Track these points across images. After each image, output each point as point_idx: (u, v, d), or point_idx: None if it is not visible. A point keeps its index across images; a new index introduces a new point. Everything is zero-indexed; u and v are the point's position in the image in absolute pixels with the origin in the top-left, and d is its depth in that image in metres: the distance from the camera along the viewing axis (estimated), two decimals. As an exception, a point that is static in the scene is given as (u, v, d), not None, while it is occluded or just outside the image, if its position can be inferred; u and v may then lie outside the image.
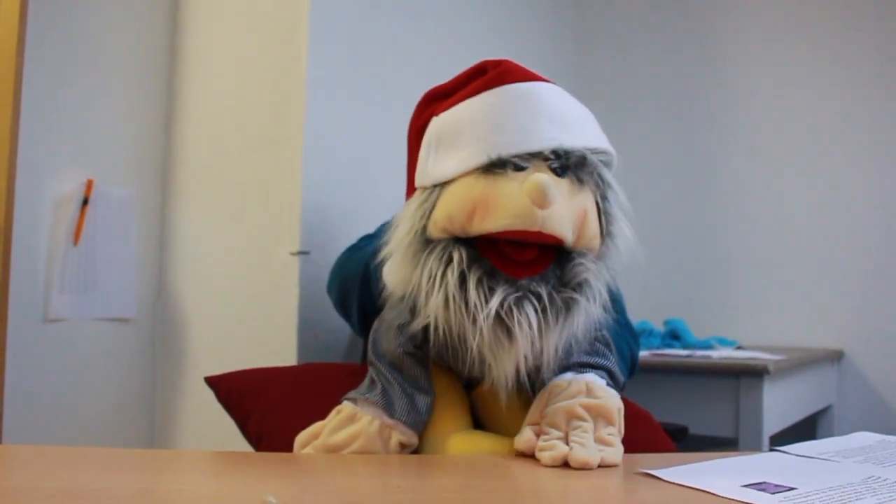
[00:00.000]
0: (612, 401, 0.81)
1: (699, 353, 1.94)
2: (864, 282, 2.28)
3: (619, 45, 2.74)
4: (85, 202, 1.65)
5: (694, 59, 2.59)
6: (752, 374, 1.67)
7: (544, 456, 0.74)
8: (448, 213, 0.78)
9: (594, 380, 0.82)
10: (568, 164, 0.78)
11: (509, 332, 0.76)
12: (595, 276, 0.80)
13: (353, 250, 1.29)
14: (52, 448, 0.82)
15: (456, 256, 0.77)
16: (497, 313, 0.75)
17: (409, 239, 0.81)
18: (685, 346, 2.10)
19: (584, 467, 0.72)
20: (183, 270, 1.80)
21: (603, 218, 0.82)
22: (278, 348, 1.53)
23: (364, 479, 0.74)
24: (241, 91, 1.71)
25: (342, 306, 1.28)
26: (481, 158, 0.77)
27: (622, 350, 1.16)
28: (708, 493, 0.62)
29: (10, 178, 1.55)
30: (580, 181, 0.79)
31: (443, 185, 0.80)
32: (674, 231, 2.56)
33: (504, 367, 0.79)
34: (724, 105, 2.53)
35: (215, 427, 1.64)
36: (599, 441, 0.76)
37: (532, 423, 0.81)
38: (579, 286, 0.79)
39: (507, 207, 0.75)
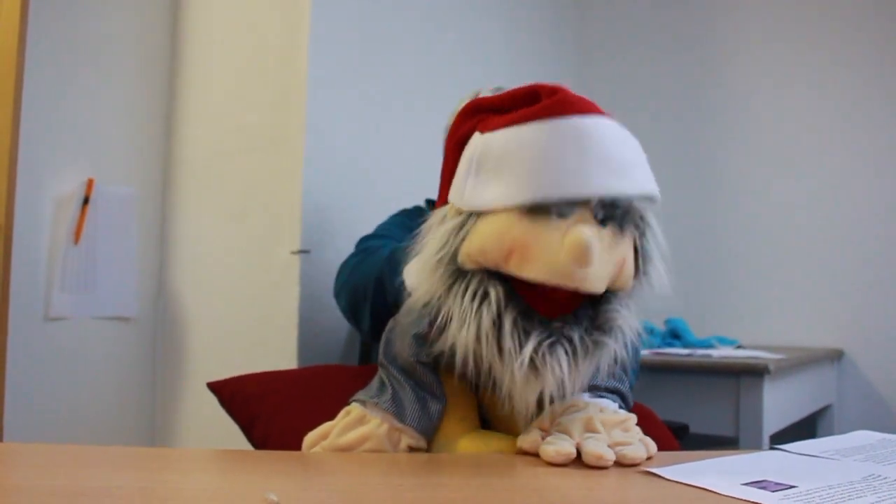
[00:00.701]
0: (628, 415, 0.82)
1: (700, 352, 1.94)
2: (864, 282, 2.28)
3: (620, 47, 2.74)
4: (85, 201, 1.65)
5: (694, 60, 2.59)
6: (752, 374, 1.68)
7: (548, 450, 0.73)
8: (483, 247, 0.76)
9: (608, 405, 0.82)
10: (613, 215, 0.76)
11: (538, 373, 0.75)
12: (626, 319, 0.79)
13: (362, 254, 1.27)
14: (53, 446, 0.82)
15: (493, 294, 0.76)
16: (529, 357, 0.74)
17: (438, 258, 0.79)
18: (686, 346, 2.10)
19: (598, 462, 0.71)
20: (183, 269, 1.80)
21: (640, 258, 0.81)
22: (278, 346, 1.53)
23: (366, 477, 0.74)
24: (242, 91, 1.71)
25: (352, 312, 1.26)
26: (524, 197, 0.74)
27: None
28: (709, 491, 0.62)
29: (11, 178, 1.55)
30: (622, 229, 0.77)
31: (479, 213, 0.78)
32: (674, 231, 2.53)
33: (527, 399, 0.78)
34: (724, 106, 2.53)
35: (216, 425, 1.64)
36: (614, 444, 0.76)
37: (540, 427, 0.81)
38: (610, 329, 0.78)
39: (545, 261, 0.73)
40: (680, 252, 2.80)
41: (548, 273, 0.73)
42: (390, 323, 0.92)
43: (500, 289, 0.76)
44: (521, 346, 0.74)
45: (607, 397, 0.84)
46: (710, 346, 2.08)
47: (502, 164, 0.78)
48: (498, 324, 0.75)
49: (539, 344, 0.74)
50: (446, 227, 0.80)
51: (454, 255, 0.78)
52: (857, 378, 2.28)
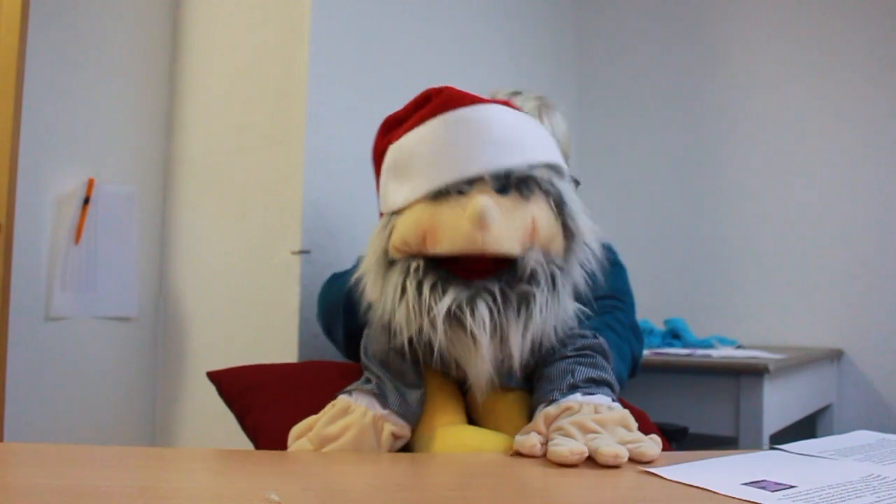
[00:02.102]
0: (627, 413, 0.82)
1: (699, 352, 1.95)
2: (863, 281, 2.28)
3: (619, 46, 2.74)
4: (86, 201, 1.66)
5: (694, 59, 2.59)
6: (752, 374, 1.68)
7: (561, 451, 0.73)
8: (403, 237, 0.84)
9: (602, 401, 0.83)
10: (509, 183, 0.83)
11: (471, 333, 0.81)
12: (544, 267, 0.83)
13: (333, 279, 1.32)
14: (54, 446, 0.83)
15: (413, 265, 0.83)
16: (455, 315, 0.80)
17: (374, 259, 0.87)
18: (685, 346, 2.11)
19: (615, 461, 0.71)
20: (184, 269, 1.80)
21: (565, 220, 0.86)
22: (279, 346, 1.53)
23: (366, 478, 0.74)
24: (243, 90, 1.71)
25: (328, 332, 1.32)
26: (427, 187, 0.83)
27: (622, 351, 1.16)
28: (709, 490, 0.62)
29: (12, 177, 1.56)
30: (524, 195, 0.83)
31: (398, 211, 0.86)
32: (674, 230, 2.56)
33: (476, 367, 0.84)
34: (723, 106, 2.53)
35: (217, 425, 1.64)
36: (624, 443, 0.76)
37: (536, 431, 0.81)
38: (531, 278, 0.82)
39: (450, 234, 0.80)
40: (680, 251, 2.81)
41: (455, 242, 0.80)
42: (366, 328, 0.97)
43: (422, 262, 0.83)
44: (438, 303, 0.81)
45: (598, 392, 0.85)
46: (709, 346, 2.08)
47: (407, 166, 0.88)
48: (421, 292, 0.81)
49: (456, 296, 0.81)
50: (376, 231, 0.89)
51: (385, 251, 0.86)
52: (857, 378, 2.28)
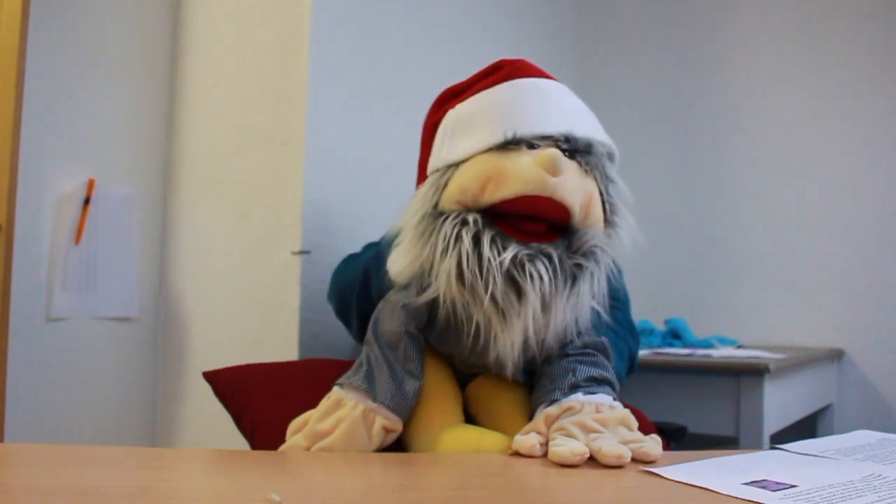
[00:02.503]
0: (628, 412, 0.82)
1: (700, 352, 1.95)
2: (864, 281, 2.28)
3: (619, 46, 2.74)
4: (86, 201, 1.66)
5: (694, 59, 2.59)
6: (752, 373, 1.68)
7: (562, 451, 0.72)
8: (461, 186, 0.82)
9: (603, 400, 0.83)
10: (577, 149, 0.84)
11: (519, 293, 0.79)
12: (603, 247, 0.84)
13: (352, 258, 1.30)
14: (54, 447, 0.83)
15: (471, 219, 0.81)
16: (509, 273, 0.78)
17: (418, 217, 0.84)
18: (686, 346, 2.10)
19: (617, 462, 0.71)
20: (184, 269, 1.80)
21: (607, 208, 0.87)
22: (279, 347, 1.53)
23: (367, 478, 0.74)
24: (243, 90, 1.71)
25: (342, 313, 1.29)
26: (497, 138, 0.82)
27: (620, 349, 1.16)
28: (709, 490, 0.62)
29: (12, 178, 1.56)
30: (586, 167, 0.84)
31: (457, 165, 0.84)
32: (674, 230, 2.56)
33: (512, 332, 0.81)
34: (724, 105, 2.53)
35: (217, 425, 1.64)
36: (626, 442, 0.76)
37: (536, 430, 0.81)
38: (588, 254, 0.83)
39: (520, 175, 0.79)
40: (680, 251, 2.81)
41: (523, 184, 0.79)
42: (380, 304, 0.94)
43: (479, 216, 0.81)
44: (500, 256, 0.79)
45: (600, 391, 0.84)
46: (710, 345, 2.08)
47: (473, 121, 0.87)
48: (479, 246, 0.79)
49: (517, 253, 0.79)
50: (423, 189, 0.86)
51: (435, 206, 0.84)
52: (858, 378, 2.28)
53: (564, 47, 2.70)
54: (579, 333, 0.89)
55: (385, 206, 1.44)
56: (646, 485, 0.67)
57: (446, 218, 0.82)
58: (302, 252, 1.53)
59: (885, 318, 2.25)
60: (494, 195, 0.80)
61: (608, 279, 0.87)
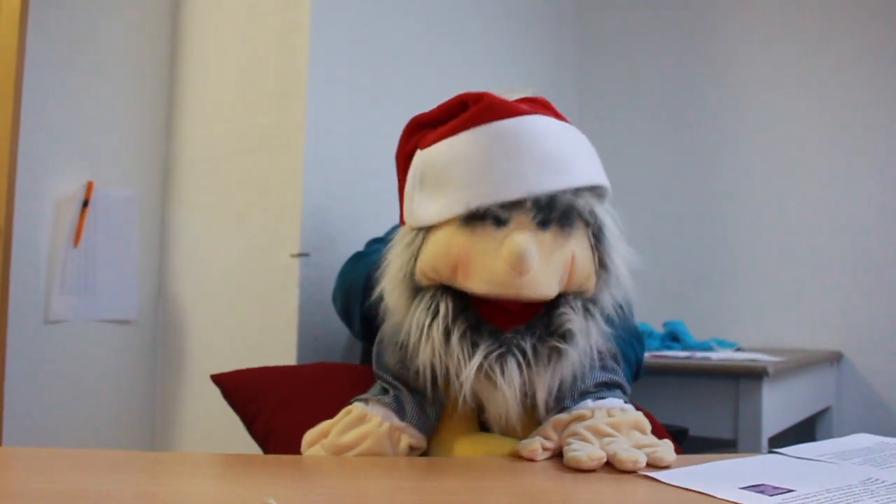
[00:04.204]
0: (640, 416, 0.82)
1: (699, 354, 1.95)
2: (862, 284, 2.28)
3: (619, 48, 2.74)
4: (85, 204, 1.66)
5: (693, 61, 2.60)
6: (751, 376, 1.68)
7: (579, 456, 0.72)
8: (433, 265, 0.78)
9: (614, 405, 0.82)
10: (550, 216, 0.76)
11: (493, 384, 0.77)
12: (579, 322, 0.79)
13: (357, 258, 1.29)
14: (53, 450, 0.83)
15: (442, 308, 0.78)
16: (482, 367, 0.76)
17: (400, 277, 0.82)
18: (685, 348, 2.10)
19: (634, 467, 0.71)
20: (183, 272, 1.80)
21: (597, 253, 0.81)
22: (278, 350, 1.53)
23: (367, 481, 0.74)
24: (242, 92, 1.71)
25: (345, 313, 1.29)
26: (461, 207, 0.76)
27: (627, 355, 1.16)
28: (706, 495, 0.62)
29: (11, 180, 1.56)
30: (566, 229, 0.77)
31: (428, 228, 0.80)
32: (673, 233, 2.56)
33: (497, 409, 0.81)
34: (723, 108, 2.53)
35: (216, 428, 1.64)
36: (640, 447, 0.76)
37: (544, 436, 0.81)
38: (565, 335, 0.78)
39: (485, 273, 0.75)
40: (679, 254, 2.80)
41: (488, 284, 0.75)
42: (379, 335, 0.94)
43: (451, 303, 0.78)
44: (470, 358, 0.76)
45: (610, 395, 0.84)
46: (709, 348, 2.08)
47: (440, 178, 0.81)
48: (449, 341, 0.76)
49: (487, 355, 0.76)
50: (402, 245, 0.82)
51: (412, 272, 0.80)
52: (857, 380, 2.28)
53: (564, 51, 2.71)
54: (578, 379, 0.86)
55: (384, 209, 1.44)
56: (643, 489, 0.67)
57: (422, 297, 0.80)
58: (301, 255, 1.53)
59: (883, 320, 2.25)
60: (466, 285, 0.77)
61: (620, 309, 0.85)
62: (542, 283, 0.75)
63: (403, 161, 0.91)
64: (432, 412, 0.87)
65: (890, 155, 2.28)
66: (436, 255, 0.78)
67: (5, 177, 1.55)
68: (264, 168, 1.63)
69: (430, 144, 0.84)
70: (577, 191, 0.79)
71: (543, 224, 0.76)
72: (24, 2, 1.57)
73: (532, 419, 0.87)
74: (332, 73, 1.60)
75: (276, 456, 0.87)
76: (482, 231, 0.76)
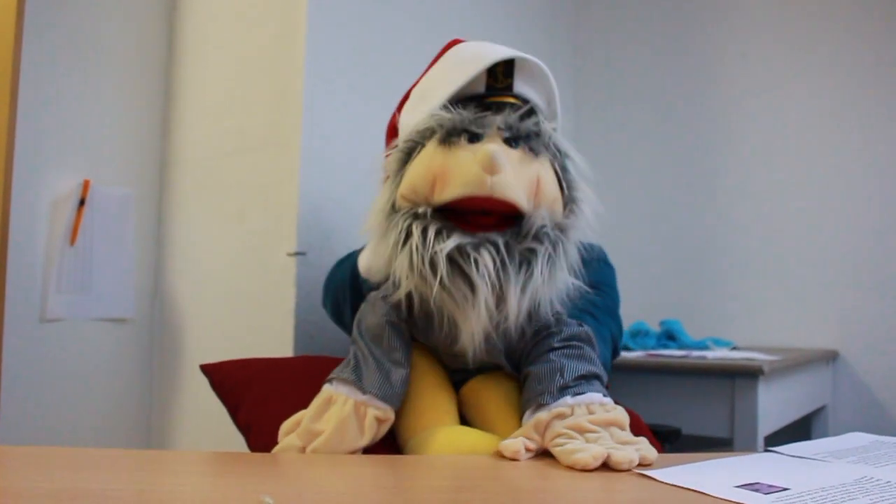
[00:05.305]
0: (619, 413, 0.82)
1: (695, 353, 1.95)
2: (858, 282, 2.29)
3: (615, 48, 2.75)
4: (82, 202, 1.65)
5: (690, 61, 2.60)
6: (747, 375, 1.68)
7: (583, 457, 0.72)
8: (412, 185, 0.85)
9: (593, 399, 0.82)
10: (519, 136, 0.85)
11: (470, 283, 0.80)
12: (551, 227, 0.84)
13: (340, 263, 1.32)
14: (49, 449, 0.83)
15: (420, 210, 0.84)
16: (456, 262, 0.80)
17: (381, 217, 0.88)
18: (681, 347, 2.11)
19: (629, 466, 0.71)
20: (180, 271, 1.80)
21: (564, 185, 0.88)
22: (275, 348, 1.53)
23: (361, 480, 0.75)
24: (239, 91, 1.71)
25: (337, 315, 1.30)
26: (438, 102, 0.88)
27: (603, 334, 1.16)
28: (701, 493, 0.62)
29: (7, 179, 1.55)
30: (534, 151, 0.86)
31: (407, 162, 0.88)
32: (669, 232, 2.56)
33: (470, 322, 0.83)
34: (719, 107, 2.54)
35: (212, 427, 1.64)
36: (621, 443, 0.76)
37: (526, 436, 0.81)
38: (537, 237, 0.83)
39: (460, 177, 0.82)
40: (675, 253, 2.81)
41: (463, 185, 0.82)
42: (363, 304, 0.96)
43: (428, 210, 0.84)
44: (444, 243, 0.81)
45: (589, 389, 0.84)
46: (705, 347, 2.09)
47: (424, 93, 0.94)
48: (424, 235, 0.82)
49: (461, 243, 0.81)
50: (383, 189, 0.90)
51: (392, 203, 0.87)
52: (852, 379, 2.29)
53: (561, 53, 2.71)
54: (558, 320, 0.89)
55: (380, 208, 1.44)
56: (637, 487, 0.67)
57: (400, 217, 0.85)
58: (297, 254, 1.53)
59: (879, 319, 2.26)
60: (442, 196, 0.83)
61: (584, 263, 0.89)
62: (512, 185, 0.82)
63: (392, 128, 1.02)
64: (398, 378, 0.88)
65: (886, 154, 2.29)
66: (416, 175, 0.85)
67: (1, 175, 1.54)
68: (261, 167, 1.63)
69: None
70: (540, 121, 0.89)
71: (513, 142, 0.85)
72: (20, 2, 1.57)
73: (506, 410, 0.89)
74: (328, 72, 1.60)
75: (273, 454, 0.87)
76: (458, 147, 0.84)
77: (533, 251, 0.82)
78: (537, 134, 0.86)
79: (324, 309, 1.36)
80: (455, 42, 1.01)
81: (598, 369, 0.88)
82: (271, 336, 1.55)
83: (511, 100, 0.93)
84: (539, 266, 0.82)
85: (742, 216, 2.47)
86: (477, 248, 0.81)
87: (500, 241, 0.81)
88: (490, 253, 0.81)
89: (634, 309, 2.35)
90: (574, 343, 0.88)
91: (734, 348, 2.14)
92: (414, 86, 1.04)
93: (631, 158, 2.63)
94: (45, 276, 1.61)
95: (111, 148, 1.76)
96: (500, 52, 0.92)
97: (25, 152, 1.59)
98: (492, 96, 0.93)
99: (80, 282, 1.67)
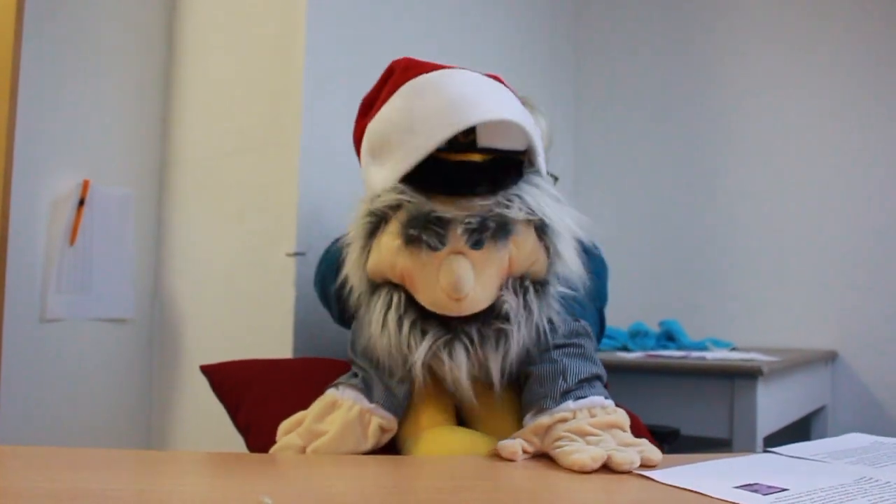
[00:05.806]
0: (620, 415, 0.82)
1: (694, 354, 1.95)
2: (858, 283, 2.29)
3: (615, 49, 2.75)
4: (81, 203, 1.65)
5: (690, 62, 2.60)
6: (746, 376, 1.68)
7: (582, 459, 0.72)
8: (380, 271, 0.85)
9: (595, 403, 0.83)
10: (483, 238, 0.79)
11: (444, 367, 0.84)
12: (515, 305, 0.83)
13: (329, 246, 1.31)
14: (49, 449, 0.83)
15: (395, 300, 0.84)
16: (432, 357, 0.83)
17: (359, 264, 0.87)
18: (680, 348, 2.11)
19: (630, 468, 0.71)
20: (179, 271, 1.80)
21: (548, 243, 0.85)
22: (274, 349, 1.53)
23: (360, 481, 0.75)
24: (238, 92, 1.71)
25: (323, 296, 1.31)
26: (401, 170, 0.82)
27: (589, 316, 1.16)
28: (700, 494, 0.62)
29: (7, 179, 1.55)
30: (502, 239, 0.81)
31: (375, 234, 0.85)
32: (669, 233, 2.56)
33: (455, 381, 0.85)
34: (719, 108, 2.54)
35: (212, 427, 1.64)
36: (623, 445, 0.76)
37: (524, 438, 0.81)
38: (506, 316, 0.83)
39: (428, 295, 0.81)
40: (675, 254, 2.81)
41: (432, 305, 0.82)
42: (354, 324, 0.98)
43: (404, 295, 0.84)
44: (417, 347, 0.82)
45: (590, 392, 0.84)
46: (704, 348, 2.09)
47: (383, 143, 0.88)
48: (399, 328, 0.83)
49: (435, 341, 0.82)
50: (356, 242, 0.87)
51: (366, 257, 0.86)
52: (851, 380, 2.29)
53: (562, 52, 2.71)
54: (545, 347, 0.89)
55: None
56: (637, 488, 0.67)
57: (378, 291, 0.85)
58: (297, 254, 1.53)
59: (878, 320, 2.26)
60: (413, 295, 0.83)
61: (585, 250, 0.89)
62: (480, 299, 0.81)
63: (358, 142, 0.99)
64: (400, 392, 0.90)
65: (886, 154, 2.29)
66: (384, 266, 0.84)
67: (1, 175, 1.54)
68: (260, 167, 1.63)
69: (372, 116, 0.92)
70: (505, 172, 0.83)
71: (476, 245, 0.80)
72: (20, 1, 1.57)
73: (504, 411, 0.91)
74: (327, 72, 1.60)
75: (272, 455, 0.87)
76: (420, 253, 0.80)
77: (505, 330, 0.83)
78: (504, 224, 0.80)
79: (314, 287, 1.36)
80: (406, 66, 0.92)
81: (599, 369, 0.88)
82: (271, 336, 1.55)
83: (476, 157, 0.83)
84: (513, 339, 0.83)
85: (742, 216, 2.47)
86: (451, 343, 0.82)
87: (473, 330, 0.82)
88: (464, 344, 0.82)
89: (634, 309, 2.35)
90: (574, 342, 0.89)
91: (733, 349, 2.13)
92: (373, 95, 0.99)
93: (631, 158, 2.62)
94: (45, 276, 1.61)
95: (111, 148, 1.76)
96: (465, 114, 0.81)
97: (25, 152, 1.59)
98: (454, 151, 0.83)
99: (80, 282, 1.67)
